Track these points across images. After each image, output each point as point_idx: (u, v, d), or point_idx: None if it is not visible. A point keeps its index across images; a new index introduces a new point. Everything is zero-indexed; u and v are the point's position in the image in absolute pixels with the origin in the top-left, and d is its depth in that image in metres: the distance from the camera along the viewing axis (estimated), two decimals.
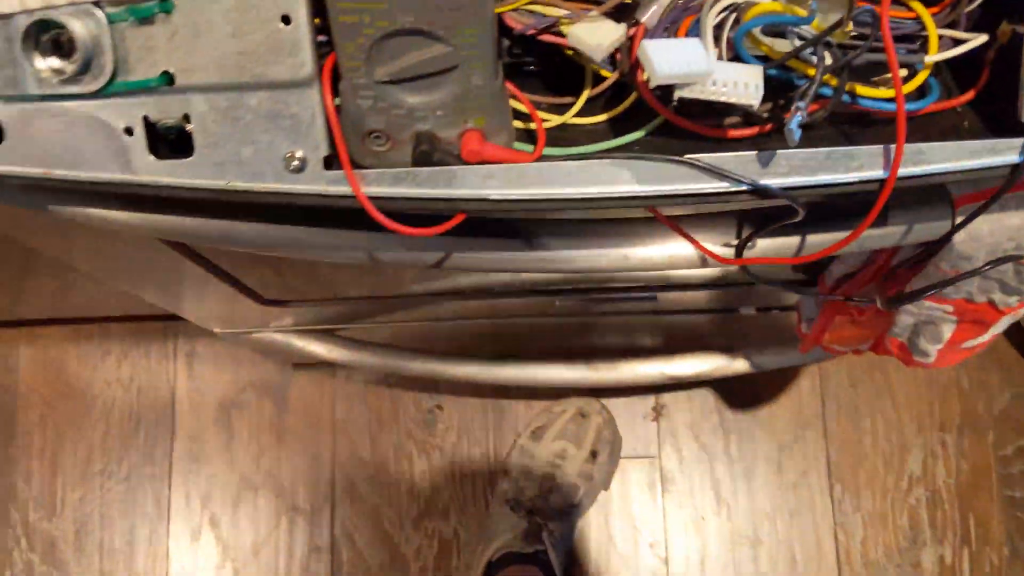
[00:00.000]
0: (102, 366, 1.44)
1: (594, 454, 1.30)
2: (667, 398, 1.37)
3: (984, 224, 0.53)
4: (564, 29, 0.45)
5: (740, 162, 0.44)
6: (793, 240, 0.54)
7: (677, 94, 0.41)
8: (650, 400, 1.37)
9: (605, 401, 1.33)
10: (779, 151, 0.43)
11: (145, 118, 0.45)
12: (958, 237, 0.54)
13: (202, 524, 1.37)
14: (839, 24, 0.40)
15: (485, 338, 1.25)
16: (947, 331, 0.69)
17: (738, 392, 1.36)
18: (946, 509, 1.32)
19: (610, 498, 1.34)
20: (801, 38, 0.42)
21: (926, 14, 0.45)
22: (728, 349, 1.13)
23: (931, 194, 0.54)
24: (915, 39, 0.46)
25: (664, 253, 0.55)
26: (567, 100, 0.49)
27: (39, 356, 1.44)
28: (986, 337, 0.72)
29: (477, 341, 1.24)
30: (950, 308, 0.66)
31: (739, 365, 1.12)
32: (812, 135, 0.45)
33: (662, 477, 1.35)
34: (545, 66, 0.51)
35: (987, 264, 0.56)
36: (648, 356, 1.17)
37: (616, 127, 0.48)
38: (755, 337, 1.14)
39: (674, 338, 1.20)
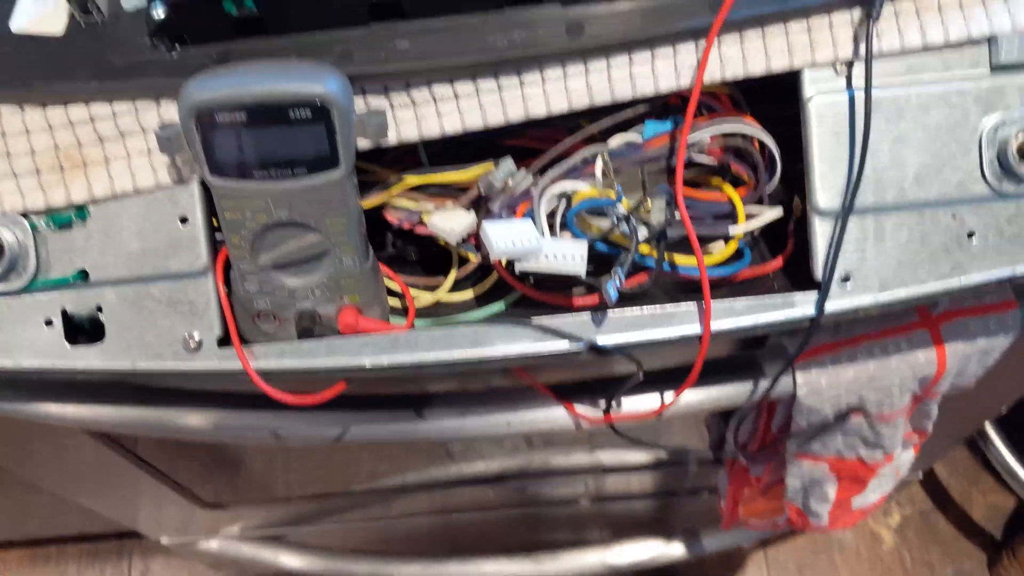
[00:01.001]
0: None
1: None
2: None
3: (821, 378, 0.59)
4: (424, 218, 0.52)
5: (578, 324, 0.50)
6: (656, 401, 0.60)
7: (516, 267, 0.48)
8: None
9: None
10: (609, 312, 0.50)
11: (63, 311, 0.51)
12: (801, 391, 0.60)
13: None
14: (640, 204, 0.48)
15: (435, 537, 1.26)
16: (831, 490, 0.74)
17: None
18: None
19: None
20: (619, 218, 0.50)
21: (735, 194, 0.53)
22: (665, 535, 1.15)
23: (773, 353, 0.60)
24: (730, 216, 0.54)
25: (543, 417, 0.61)
26: (442, 281, 0.56)
27: None
28: (873, 496, 0.76)
29: (428, 541, 1.26)
30: (825, 467, 0.71)
31: (676, 550, 1.14)
32: (644, 301, 0.52)
33: None
34: (425, 255, 0.58)
35: (835, 417, 0.62)
36: (590, 546, 1.19)
37: (482, 301, 0.55)
38: (693, 522, 1.17)
39: (614, 528, 1.22)
